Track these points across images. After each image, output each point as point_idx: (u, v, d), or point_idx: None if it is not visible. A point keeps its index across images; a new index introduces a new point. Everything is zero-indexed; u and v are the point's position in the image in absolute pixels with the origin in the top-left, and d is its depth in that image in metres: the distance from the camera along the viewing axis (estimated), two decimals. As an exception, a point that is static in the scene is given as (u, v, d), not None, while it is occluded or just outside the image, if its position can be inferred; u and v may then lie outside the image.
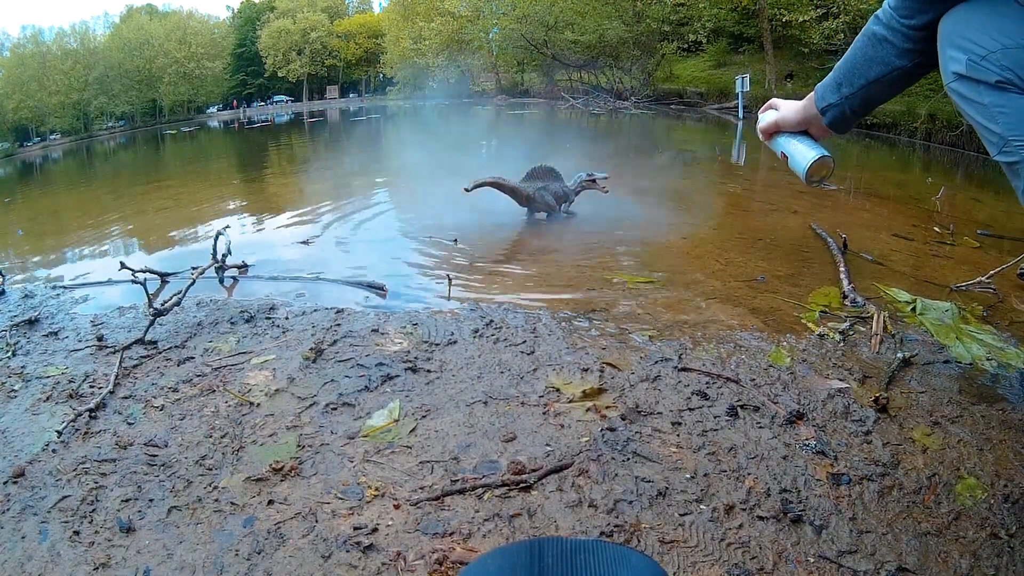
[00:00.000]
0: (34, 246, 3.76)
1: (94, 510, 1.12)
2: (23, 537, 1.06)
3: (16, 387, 1.64)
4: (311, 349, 1.72)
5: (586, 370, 1.54)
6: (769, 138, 1.34)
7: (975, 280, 2.07)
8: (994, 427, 1.26)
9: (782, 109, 1.29)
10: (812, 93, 1.20)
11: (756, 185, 4.51)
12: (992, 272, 2.09)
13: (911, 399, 1.38)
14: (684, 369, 1.53)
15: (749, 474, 1.14)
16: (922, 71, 1.08)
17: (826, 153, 1.22)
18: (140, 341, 1.85)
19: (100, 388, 1.58)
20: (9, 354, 1.85)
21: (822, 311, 1.88)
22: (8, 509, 1.13)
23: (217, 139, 17.42)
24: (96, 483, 1.20)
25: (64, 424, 1.38)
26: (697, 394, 1.41)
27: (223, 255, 2.55)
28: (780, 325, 1.79)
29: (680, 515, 1.04)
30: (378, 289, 2.29)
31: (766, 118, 1.33)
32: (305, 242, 3.09)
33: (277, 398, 1.49)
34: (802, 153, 1.24)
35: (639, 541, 0.99)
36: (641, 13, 16.29)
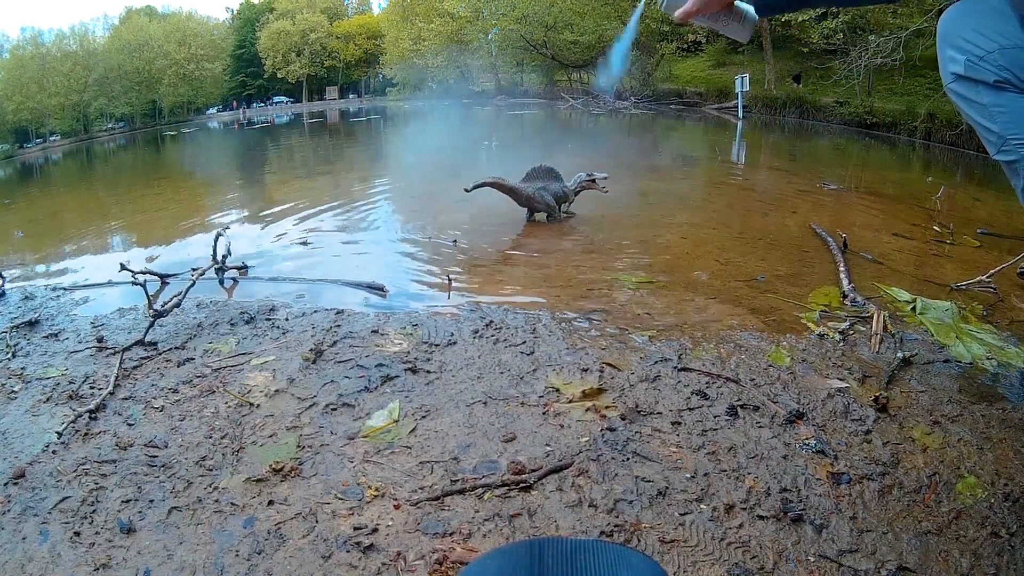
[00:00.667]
0: (34, 248, 3.77)
1: (94, 511, 1.12)
2: (24, 538, 1.06)
3: (16, 388, 1.64)
4: (311, 350, 1.72)
5: (586, 370, 1.54)
6: (686, 19, 1.18)
7: (975, 279, 2.07)
8: (994, 426, 1.26)
9: None
10: None
11: (756, 185, 4.51)
12: (992, 271, 2.09)
13: (911, 398, 1.38)
14: (684, 369, 1.53)
15: (749, 473, 1.14)
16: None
17: (755, 16, 1.15)
18: (140, 342, 1.85)
19: (100, 389, 1.58)
20: (9, 355, 1.85)
21: (822, 311, 1.88)
22: (8, 510, 1.14)
23: (217, 140, 17.43)
24: (96, 484, 1.20)
25: (64, 425, 1.38)
26: (697, 394, 1.41)
27: (223, 256, 2.55)
28: (780, 325, 1.79)
29: (680, 515, 1.04)
30: (378, 290, 2.29)
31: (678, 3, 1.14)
32: (304, 243, 3.09)
33: (277, 399, 1.49)
34: (739, 25, 1.16)
35: (639, 541, 0.99)
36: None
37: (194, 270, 2.38)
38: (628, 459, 1.19)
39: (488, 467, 1.19)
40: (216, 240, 2.55)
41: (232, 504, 1.12)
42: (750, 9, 1.17)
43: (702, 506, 1.06)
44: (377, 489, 1.14)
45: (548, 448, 1.23)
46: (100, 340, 1.91)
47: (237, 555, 1.00)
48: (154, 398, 1.52)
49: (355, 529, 1.04)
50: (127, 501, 1.14)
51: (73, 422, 1.40)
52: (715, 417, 1.32)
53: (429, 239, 3.00)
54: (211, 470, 1.22)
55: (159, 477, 1.21)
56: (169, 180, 7.51)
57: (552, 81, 21.43)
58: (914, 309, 1.86)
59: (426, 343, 1.75)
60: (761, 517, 1.03)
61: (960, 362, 1.54)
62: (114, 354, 1.77)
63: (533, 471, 1.16)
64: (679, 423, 1.30)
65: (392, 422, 1.36)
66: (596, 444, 1.23)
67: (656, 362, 1.57)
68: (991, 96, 0.93)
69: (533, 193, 3.12)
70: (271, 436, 1.33)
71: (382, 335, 1.83)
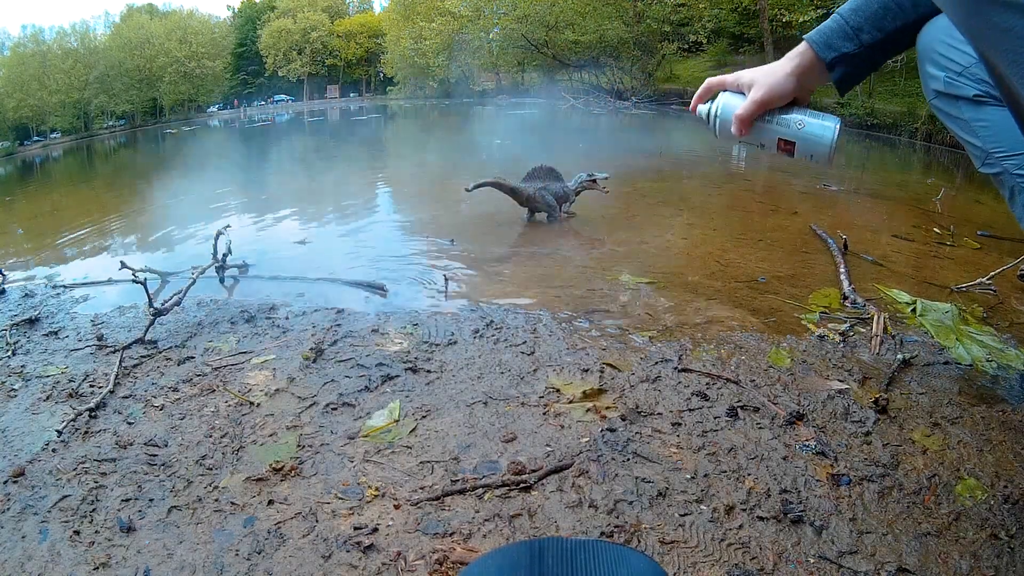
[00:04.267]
0: (34, 245, 3.76)
1: (94, 510, 1.12)
2: (23, 537, 1.06)
3: (16, 386, 1.64)
4: (311, 349, 1.72)
5: (586, 371, 1.54)
6: (751, 127, 0.96)
7: (975, 281, 2.07)
8: (994, 428, 1.26)
9: (762, 83, 0.94)
10: (802, 49, 0.93)
11: (756, 186, 4.51)
12: (992, 273, 2.09)
13: (911, 400, 1.38)
14: (684, 370, 1.53)
15: (749, 475, 1.14)
16: None
17: (838, 118, 0.92)
18: (140, 341, 1.85)
19: (100, 387, 1.58)
20: (9, 353, 1.85)
21: (822, 312, 1.88)
22: (8, 509, 1.13)
23: (217, 138, 17.42)
24: (96, 483, 1.20)
25: (64, 423, 1.38)
26: (697, 395, 1.41)
27: (223, 255, 2.55)
28: (780, 326, 1.79)
29: (680, 515, 1.04)
30: (378, 289, 2.29)
31: (735, 105, 0.95)
32: (302, 242, 3.09)
33: (277, 398, 1.49)
34: (818, 127, 0.91)
35: (639, 541, 0.99)
36: (641, 13, 16.31)
37: (194, 268, 2.38)
38: (628, 460, 1.19)
39: (488, 467, 1.19)
40: (216, 238, 2.54)
41: (232, 503, 1.12)
42: (836, 118, 0.92)
43: (702, 507, 1.06)
44: (377, 489, 1.14)
45: (548, 448, 1.23)
46: (100, 338, 1.91)
47: (237, 554, 1.00)
48: (154, 397, 1.52)
49: (355, 529, 1.04)
50: (127, 500, 1.14)
51: (73, 420, 1.40)
52: (715, 418, 1.32)
53: (429, 239, 3.00)
54: (211, 469, 1.22)
55: (159, 476, 1.21)
56: (169, 178, 7.51)
57: (553, 81, 21.43)
58: (914, 311, 1.86)
59: (426, 343, 1.75)
60: (761, 518, 1.03)
61: (960, 364, 1.54)
62: (114, 352, 1.77)
63: (533, 471, 1.16)
64: (679, 424, 1.30)
65: (392, 422, 1.36)
66: (596, 445, 1.23)
67: (656, 363, 1.57)
68: (972, 111, 0.92)
69: (534, 193, 3.12)
70: (271, 435, 1.33)
71: (382, 334, 1.83)
